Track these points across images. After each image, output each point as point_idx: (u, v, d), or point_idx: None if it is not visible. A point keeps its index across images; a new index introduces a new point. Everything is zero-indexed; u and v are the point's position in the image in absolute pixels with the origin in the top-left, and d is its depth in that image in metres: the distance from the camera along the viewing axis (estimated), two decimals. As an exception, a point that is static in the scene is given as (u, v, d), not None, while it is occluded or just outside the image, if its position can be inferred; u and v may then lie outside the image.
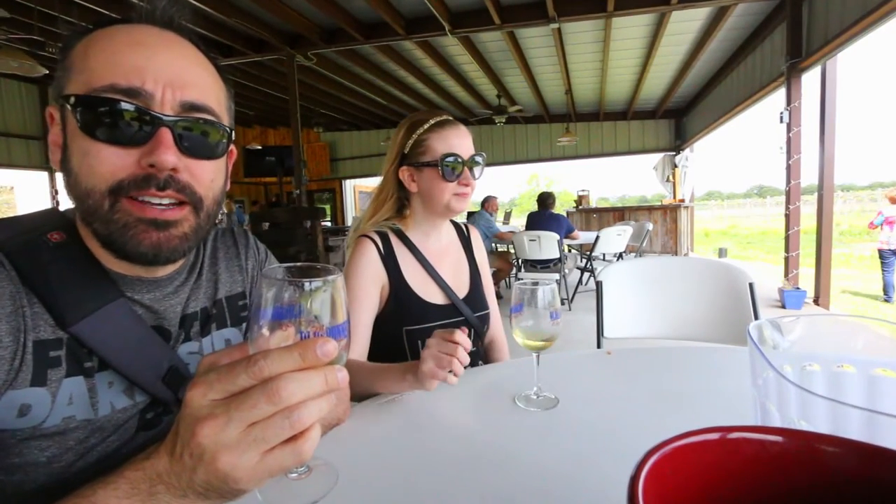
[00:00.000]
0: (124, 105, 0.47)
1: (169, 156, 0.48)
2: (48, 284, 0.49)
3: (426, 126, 1.03)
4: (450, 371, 0.70)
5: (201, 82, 0.53)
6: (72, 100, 0.47)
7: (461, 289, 1.10)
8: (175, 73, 0.50)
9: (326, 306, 0.37)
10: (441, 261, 1.10)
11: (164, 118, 0.48)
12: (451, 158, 1.01)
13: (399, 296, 1.01)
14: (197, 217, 0.53)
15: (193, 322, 0.61)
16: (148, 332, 0.55)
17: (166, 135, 0.48)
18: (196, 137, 0.51)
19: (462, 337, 0.71)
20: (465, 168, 1.02)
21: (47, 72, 4.67)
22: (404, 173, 1.05)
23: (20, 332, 0.46)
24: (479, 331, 1.09)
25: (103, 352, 0.51)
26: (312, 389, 0.33)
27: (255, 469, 0.33)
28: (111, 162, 0.47)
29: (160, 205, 0.49)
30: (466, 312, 1.07)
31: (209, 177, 0.54)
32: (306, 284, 0.36)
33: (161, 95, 0.49)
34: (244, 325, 0.69)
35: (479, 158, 1.05)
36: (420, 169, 1.03)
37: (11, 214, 0.59)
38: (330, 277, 0.37)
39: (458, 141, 1.03)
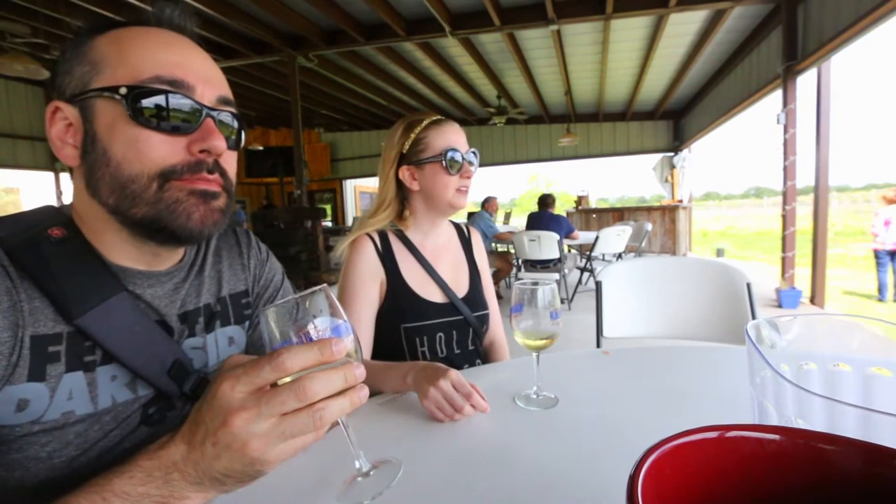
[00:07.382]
0: (175, 95, 0.50)
1: (221, 142, 0.52)
2: (52, 279, 0.49)
3: (424, 124, 1.05)
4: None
5: (224, 81, 0.57)
6: (122, 90, 0.48)
7: (460, 288, 1.10)
8: (207, 70, 0.54)
9: (323, 312, 0.42)
10: (440, 260, 1.10)
11: (210, 109, 0.52)
12: (452, 153, 1.03)
13: (396, 293, 1.02)
14: (228, 200, 0.56)
15: (197, 318, 0.62)
16: (152, 325, 0.55)
17: (212, 123, 0.52)
18: (229, 129, 0.56)
19: (477, 399, 0.70)
20: (465, 162, 1.05)
21: (51, 74, 4.65)
22: (405, 172, 1.05)
23: (17, 327, 0.47)
24: (478, 330, 1.10)
25: (109, 344, 0.51)
26: (334, 386, 0.38)
27: (280, 452, 0.38)
28: (162, 148, 0.50)
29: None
30: (465, 312, 1.07)
31: (234, 167, 0.58)
32: (295, 301, 0.41)
33: (201, 89, 0.52)
34: (247, 323, 0.69)
35: (474, 155, 1.07)
36: (421, 166, 1.04)
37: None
38: (316, 287, 0.42)
39: (456, 137, 1.06)
